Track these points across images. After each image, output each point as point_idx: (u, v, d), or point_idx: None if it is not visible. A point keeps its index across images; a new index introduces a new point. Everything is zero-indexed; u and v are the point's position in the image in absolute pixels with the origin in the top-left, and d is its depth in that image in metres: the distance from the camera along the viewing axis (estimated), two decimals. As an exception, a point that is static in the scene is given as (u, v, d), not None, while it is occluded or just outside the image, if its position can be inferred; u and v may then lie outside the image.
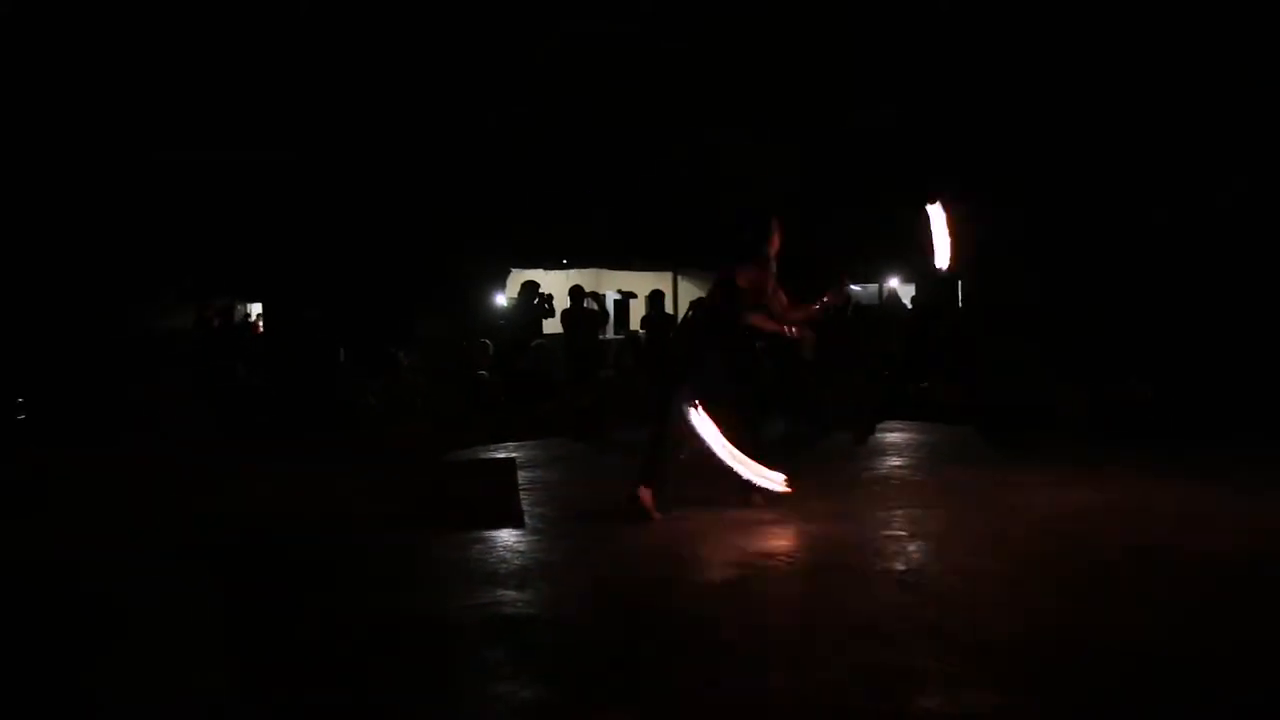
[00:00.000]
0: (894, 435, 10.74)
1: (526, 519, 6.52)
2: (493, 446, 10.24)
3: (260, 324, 16.42)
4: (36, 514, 7.14)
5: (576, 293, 14.74)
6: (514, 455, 9.44)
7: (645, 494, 6.52)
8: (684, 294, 18.31)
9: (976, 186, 15.14)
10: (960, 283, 16.38)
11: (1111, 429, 10.72)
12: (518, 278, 16.43)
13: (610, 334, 16.92)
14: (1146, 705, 3.46)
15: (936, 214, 6.86)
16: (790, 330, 6.88)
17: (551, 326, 14.89)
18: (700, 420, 6.39)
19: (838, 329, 13.71)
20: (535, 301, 14.77)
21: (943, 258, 6.89)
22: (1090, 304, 13.82)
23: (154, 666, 3.96)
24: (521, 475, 8.25)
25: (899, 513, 6.60)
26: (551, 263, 17.93)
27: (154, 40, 14.21)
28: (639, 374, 13.29)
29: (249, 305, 17.09)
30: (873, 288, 18.44)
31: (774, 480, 6.58)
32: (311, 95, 15.19)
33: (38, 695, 3.73)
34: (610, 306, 17.74)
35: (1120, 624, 4.31)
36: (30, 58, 13.48)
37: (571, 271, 17.66)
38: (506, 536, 6.04)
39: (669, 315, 15.82)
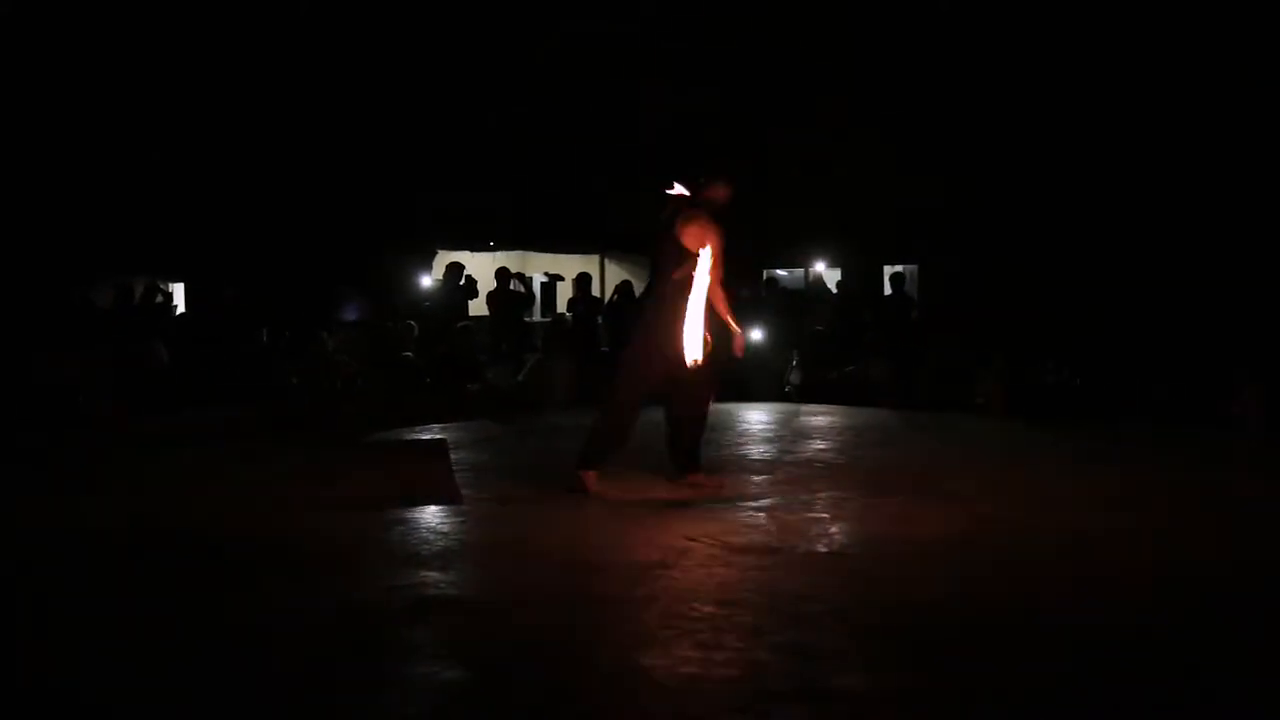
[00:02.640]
0: (819, 419, 10.82)
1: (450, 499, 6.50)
2: (418, 428, 10.17)
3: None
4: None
5: (502, 274, 14.67)
6: (441, 437, 9.40)
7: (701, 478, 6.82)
8: (611, 277, 18.29)
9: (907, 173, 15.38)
10: (886, 268, 16.58)
11: (1030, 413, 10.93)
12: (443, 259, 16.31)
13: (536, 316, 16.88)
14: (1060, 688, 3.52)
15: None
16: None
17: (478, 308, 14.81)
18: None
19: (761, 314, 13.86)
20: (460, 283, 14.68)
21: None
22: (1012, 290, 14.08)
23: (68, 658, 3.90)
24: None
25: (822, 495, 6.66)
26: (478, 244, 17.82)
27: (104, 25, 14.02)
28: (566, 357, 13.28)
29: (169, 284, 16.82)
30: (798, 272, 18.55)
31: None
32: (236, 79, 15.00)
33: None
34: (537, 289, 17.69)
35: (1036, 606, 4.39)
36: None
37: (498, 253, 17.57)
38: (430, 518, 6.01)
39: (596, 298, 15.83)
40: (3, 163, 13.59)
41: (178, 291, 16.32)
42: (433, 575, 4.78)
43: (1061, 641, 3.92)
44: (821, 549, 5.33)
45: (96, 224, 14.26)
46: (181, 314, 14.09)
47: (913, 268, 17.17)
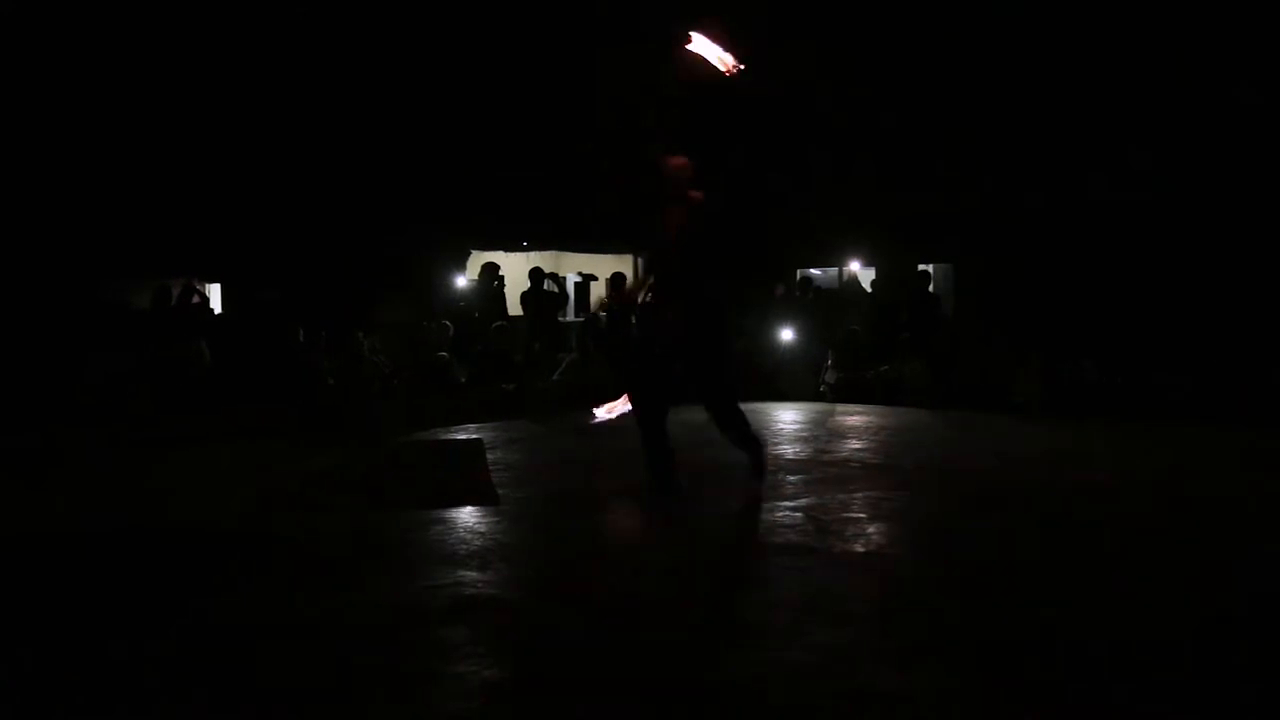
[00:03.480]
0: (855, 418, 10.79)
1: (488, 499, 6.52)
2: (453, 428, 10.22)
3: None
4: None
5: (536, 275, 14.70)
6: (477, 437, 9.43)
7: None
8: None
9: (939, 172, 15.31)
10: (922, 267, 16.48)
11: (1070, 412, 10.87)
12: (477, 259, 16.35)
13: (570, 316, 16.88)
14: (1101, 686, 3.50)
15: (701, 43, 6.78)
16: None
17: (513, 308, 14.85)
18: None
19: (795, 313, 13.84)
20: (495, 284, 14.73)
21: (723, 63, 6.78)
22: (1047, 287, 13.99)
23: (106, 655, 3.93)
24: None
25: (859, 495, 6.64)
26: (511, 244, 17.84)
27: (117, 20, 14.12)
28: (599, 356, 13.30)
29: (206, 285, 16.93)
30: (832, 271, 18.47)
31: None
32: (271, 79, 15.09)
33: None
34: (570, 289, 17.69)
35: (1077, 605, 4.36)
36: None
37: (532, 254, 17.58)
38: (467, 517, 6.03)
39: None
40: (39, 165, 13.73)
41: (213, 293, 16.45)
42: (471, 575, 4.80)
43: (1106, 644, 3.89)
44: (859, 549, 5.31)
45: (132, 226, 14.38)
46: (218, 314, 14.19)
47: (947, 266, 17.06)
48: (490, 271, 14.87)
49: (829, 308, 14.86)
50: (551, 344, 14.13)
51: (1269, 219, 13.54)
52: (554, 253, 18.48)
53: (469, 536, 5.56)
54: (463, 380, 12.35)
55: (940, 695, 3.40)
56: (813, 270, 17.84)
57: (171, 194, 14.63)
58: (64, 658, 3.84)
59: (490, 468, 7.74)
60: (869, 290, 16.13)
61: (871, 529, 5.74)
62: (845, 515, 6.06)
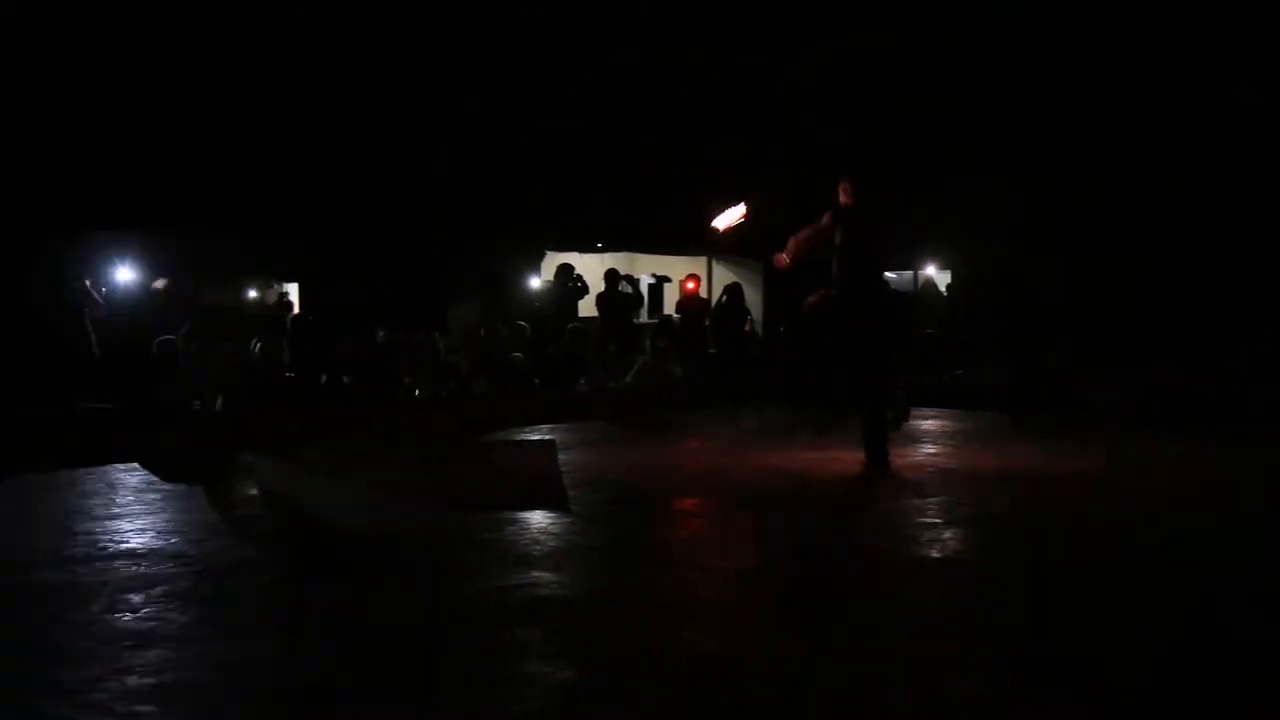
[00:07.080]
0: (929, 422, 10.70)
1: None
2: (528, 429, 10.27)
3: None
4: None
5: (611, 276, 14.73)
6: (551, 438, 9.47)
7: None
8: (719, 278, 18.21)
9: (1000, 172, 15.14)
10: (995, 271, 16.29)
11: (1144, 415, 10.66)
12: (553, 260, 16.44)
13: (644, 317, 16.91)
14: (1181, 696, 3.44)
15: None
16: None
17: (587, 309, 14.90)
18: None
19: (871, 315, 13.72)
20: (570, 284, 14.79)
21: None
22: (1124, 290, 13.76)
23: (193, 654, 4.01)
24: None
25: (933, 500, 6.58)
26: (586, 246, 17.90)
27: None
28: (674, 357, 13.31)
29: (284, 285, 17.18)
30: (908, 275, 18.32)
31: None
32: (346, 79, 15.25)
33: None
34: (644, 290, 17.72)
35: (1161, 617, 4.29)
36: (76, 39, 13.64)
37: (606, 255, 17.63)
38: (540, 518, 6.05)
39: (704, 299, 15.85)
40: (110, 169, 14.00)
41: (290, 292, 16.72)
42: (544, 576, 4.82)
43: (1210, 651, 3.82)
44: (934, 554, 5.26)
45: (210, 227, 14.60)
46: (295, 315, 14.39)
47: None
48: (565, 273, 14.93)
49: (904, 311, 14.71)
50: (626, 345, 14.16)
51: None
52: (627, 254, 18.51)
53: (542, 538, 5.59)
54: (537, 381, 12.42)
55: (1014, 708, 3.35)
56: (888, 274, 17.70)
57: (252, 197, 14.84)
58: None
59: (563, 469, 7.77)
60: (944, 293, 15.98)
61: (947, 534, 5.68)
62: (921, 520, 6.01)
